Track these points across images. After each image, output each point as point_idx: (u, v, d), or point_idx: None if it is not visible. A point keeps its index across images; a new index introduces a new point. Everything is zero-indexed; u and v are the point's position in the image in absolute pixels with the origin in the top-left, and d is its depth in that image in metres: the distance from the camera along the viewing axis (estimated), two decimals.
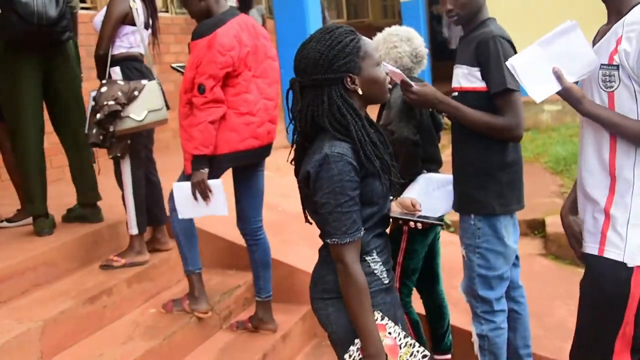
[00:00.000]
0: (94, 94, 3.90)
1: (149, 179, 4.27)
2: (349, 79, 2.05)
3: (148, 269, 4.07)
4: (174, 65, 4.00)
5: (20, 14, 3.88)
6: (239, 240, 3.97)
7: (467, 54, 2.87)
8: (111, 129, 3.84)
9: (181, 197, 3.47)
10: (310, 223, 2.20)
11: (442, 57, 16.17)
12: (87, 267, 4.03)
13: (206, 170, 3.40)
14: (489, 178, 2.90)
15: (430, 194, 3.17)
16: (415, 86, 2.85)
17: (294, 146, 2.20)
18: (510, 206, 2.96)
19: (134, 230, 4.04)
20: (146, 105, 3.91)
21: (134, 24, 3.99)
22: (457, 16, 2.89)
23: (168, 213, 3.74)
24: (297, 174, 2.19)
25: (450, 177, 3.16)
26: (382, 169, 2.10)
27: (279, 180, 5.51)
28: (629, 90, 2.19)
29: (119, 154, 3.95)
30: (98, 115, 3.79)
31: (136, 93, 3.88)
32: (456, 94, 2.95)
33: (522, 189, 3.04)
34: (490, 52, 2.77)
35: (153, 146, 4.44)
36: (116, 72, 3.98)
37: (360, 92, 2.07)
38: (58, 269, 3.88)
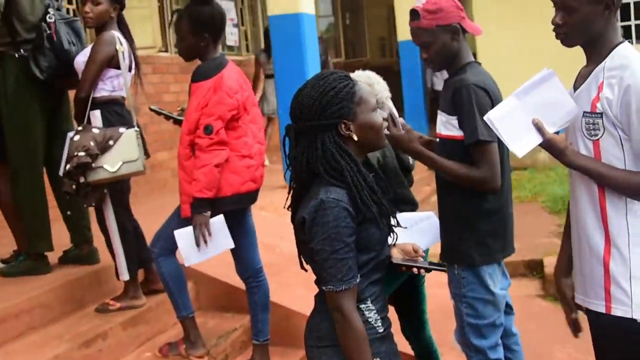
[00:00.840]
0: (71, 134, 3.83)
1: (135, 222, 4.22)
2: (343, 125, 2.04)
3: (144, 312, 4.04)
4: (152, 107, 3.99)
5: (56, 53, 4.02)
6: (236, 282, 3.95)
7: (446, 101, 2.83)
8: (82, 179, 3.75)
9: (185, 243, 3.41)
10: (306, 270, 2.18)
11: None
12: (83, 309, 4.00)
13: (208, 213, 3.40)
14: (469, 227, 2.82)
15: (409, 231, 3.10)
16: (394, 129, 2.81)
17: (291, 192, 2.19)
18: (493, 255, 2.87)
19: (125, 277, 3.99)
20: (121, 156, 3.81)
21: (118, 67, 3.94)
22: (432, 64, 2.86)
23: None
24: (293, 220, 2.17)
25: (428, 213, 3.16)
26: (380, 214, 2.07)
27: (277, 220, 5.50)
28: (615, 138, 2.13)
29: (93, 204, 3.91)
30: (67, 166, 3.72)
31: (111, 142, 3.78)
32: (438, 140, 2.91)
33: (507, 236, 2.95)
34: (463, 102, 2.70)
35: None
36: (96, 115, 3.90)
37: (355, 138, 2.06)
38: (53, 312, 3.84)
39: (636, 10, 10.61)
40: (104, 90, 3.94)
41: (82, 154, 3.69)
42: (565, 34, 2.20)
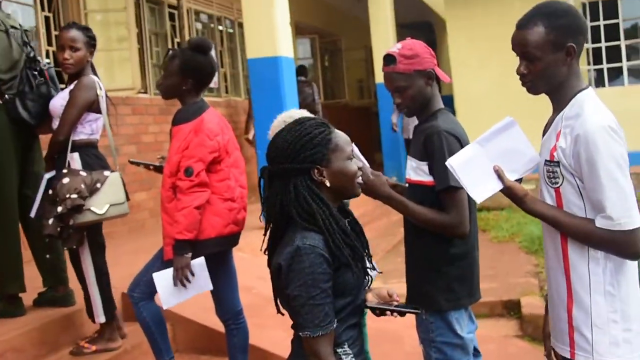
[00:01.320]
0: (48, 176, 3.85)
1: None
2: (316, 171, 2.06)
3: (120, 354, 3.99)
4: (132, 160, 4.03)
5: (43, 98, 4.12)
6: (213, 324, 3.92)
7: (417, 147, 2.85)
8: (71, 222, 3.76)
9: (163, 285, 3.40)
10: (282, 314, 2.18)
11: None
12: (57, 353, 3.94)
13: (189, 255, 3.39)
14: (436, 272, 2.82)
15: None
16: (364, 175, 2.82)
17: (267, 234, 2.20)
18: (459, 301, 2.86)
19: (102, 319, 3.95)
20: (108, 199, 3.86)
21: (98, 111, 3.98)
22: (407, 109, 2.88)
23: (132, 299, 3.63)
24: (269, 264, 2.17)
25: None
26: (353, 257, 2.08)
27: (254, 261, 5.47)
28: (573, 186, 2.14)
29: (74, 246, 3.89)
30: (59, 209, 3.71)
31: (98, 185, 3.82)
32: (407, 185, 2.92)
33: (474, 281, 2.95)
34: (434, 148, 2.73)
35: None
36: (75, 158, 3.91)
37: (328, 184, 2.08)
38: (26, 355, 3.78)
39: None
40: (82, 133, 3.96)
41: (74, 196, 3.71)
42: (531, 82, 2.23)
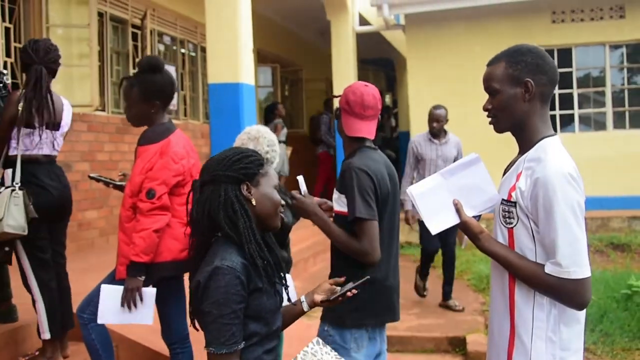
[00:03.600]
0: None
1: (61, 283, 4.12)
2: (245, 186, 2.19)
3: None
4: (92, 175, 4.00)
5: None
6: (157, 346, 3.88)
7: (337, 181, 3.09)
8: None
9: (107, 300, 3.36)
10: (197, 329, 2.20)
11: None
12: None
13: (142, 278, 3.36)
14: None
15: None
16: (298, 195, 3.04)
17: (191, 254, 2.24)
18: (362, 320, 3.00)
19: (47, 335, 3.89)
20: None
21: (30, 126, 3.93)
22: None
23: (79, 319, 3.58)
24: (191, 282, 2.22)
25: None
26: (264, 268, 2.16)
27: None
28: (527, 228, 2.16)
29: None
30: None
31: None
32: (334, 214, 3.10)
33: (382, 304, 3.07)
34: (346, 182, 2.97)
35: (64, 250, 4.31)
36: (8, 174, 3.93)
37: (254, 202, 2.19)
38: None
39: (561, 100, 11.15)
40: (16, 149, 3.93)
41: None
42: (494, 116, 2.31)
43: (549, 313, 2.16)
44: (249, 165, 2.20)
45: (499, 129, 2.33)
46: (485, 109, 2.32)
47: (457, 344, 5.75)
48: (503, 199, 2.25)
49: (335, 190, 3.10)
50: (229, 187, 2.17)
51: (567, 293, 2.09)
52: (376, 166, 3.04)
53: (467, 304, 6.73)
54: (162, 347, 3.82)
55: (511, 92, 2.24)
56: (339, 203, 3.04)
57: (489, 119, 2.33)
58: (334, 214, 3.09)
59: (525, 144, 2.29)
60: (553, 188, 2.08)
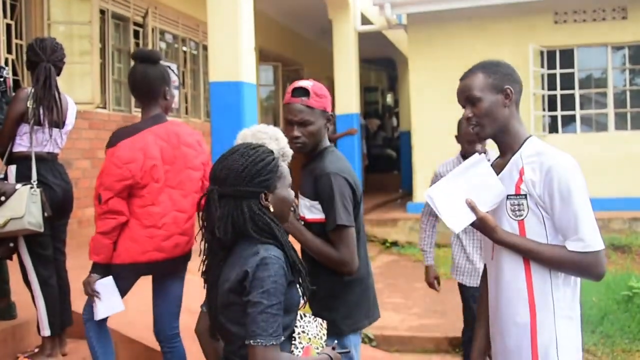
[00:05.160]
0: None
1: (58, 280, 4.12)
2: (263, 195, 2.16)
3: None
4: None
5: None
6: (155, 344, 3.87)
7: (309, 187, 2.96)
8: None
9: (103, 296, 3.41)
10: (218, 339, 2.19)
11: (374, 170, 16.68)
12: None
13: (96, 276, 3.38)
14: (336, 299, 2.93)
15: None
16: None
17: (206, 257, 2.22)
18: (357, 324, 3.00)
19: (47, 332, 3.89)
20: (9, 212, 3.80)
21: (38, 124, 3.95)
22: (301, 144, 2.96)
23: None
24: (210, 282, 2.20)
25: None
26: (295, 264, 2.17)
27: (201, 283, 5.43)
28: (537, 217, 2.32)
29: (2, 257, 3.84)
30: None
31: (2, 198, 3.79)
32: (303, 223, 3.00)
33: (369, 304, 3.07)
34: (325, 189, 2.86)
35: (64, 247, 4.32)
36: (12, 170, 3.94)
37: (272, 209, 2.17)
38: None
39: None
40: (21, 145, 3.95)
41: None
42: (477, 124, 2.43)
43: (565, 293, 2.34)
44: (269, 175, 2.17)
45: (484, 135, 2.46)
46: (466, 118, 2.45)
47: (458, 344, 5.73)
48: (510, 195, 2.38)
49: (303, 197, 3.00)
50: (251, 202, 2.14)
51: (589, 265, 2.27)
52: (347, 167, 2.98)
53: None
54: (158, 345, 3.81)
55: (492, 98, 2.41)
56: (311, 210, 2.94)
57: (472, 127, 2.45)
58: (302, 223, 2.99)
59: (509, 145, 2.45)
60: (566, 174, 2.27)
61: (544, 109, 11.15)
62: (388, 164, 17.91)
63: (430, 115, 11.13)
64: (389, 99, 22.06)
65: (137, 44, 8.95)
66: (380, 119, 19.66)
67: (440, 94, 10.56)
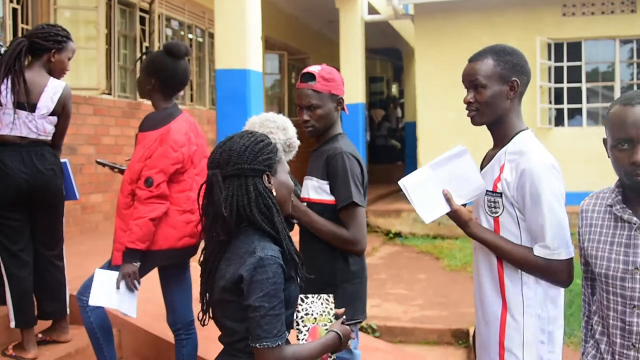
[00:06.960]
0: None
1: (43, 274, 4.01)
2: (267, 177, 2.12)
3: (63, 357, 3.90)
4: (99, 160, 3.94)
5: None
6: (160, 332, 3.87)
7: (318, 167, 2.98)
8: None
9: (101, 283, 3.34)
10: (203, 324, 2.18)
11: (378, 161, 16.66)
12: None
13: (138, 264, 3.34)
14: (334, 289, 2.88)
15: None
16: None
17: (206, 246, 2.17)
18: (355, 316, 2.95)
19: (12, 324, 3.84)
20: None
21: None
22: (312, 128, 3.00)
23: (81, 303, 3.52)
24: (207, 272, 2.15)
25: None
26: (293, 258, 2.14)
27: None
28: (512, 216, 2.32)
29: None
30: None
31: None
32: (305, 204, 3.00)
33: (365, 299, 3.08)
34: (338, 167, 2.89)
35: (53, 240, 4.09)
36: None
37: (274, 192, 2.13)
38: None
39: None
40: None
41: None
42: (476, 110, 2.42)
43: (536, 292, 2.33)
44: (270, 154, 2.14)
45: (478, 122, 2.45)
46: (467, 102, 2.43)
47: (461, 336, 5.74)
48: (488, 190, 2.38)
49: (310, 177, 3.01)
50: (256, 181, 2.09)
51: (555, 272, 2.28)
52: (357, 151, 3.03)
53: (470, 296, 6.70)
54: (164, 332, 3.81)
55: (497, 89, 2.39)
56: (317, 191, 2.96)
57: (468, 111, 2.44)
58: (305, 204, 3.00)
59: (502, 138, 2.44)
60: (539, 178, 2.25)
61: (550, 102, 11.11)
62: (392, 154, 17.89)
63: (436, 106, 11.11)
64: (394, 89, 22.01)
65: (142, 31, 8.92)
66: (384, 110, 19.63)
67: (446, 85, 10.53)
